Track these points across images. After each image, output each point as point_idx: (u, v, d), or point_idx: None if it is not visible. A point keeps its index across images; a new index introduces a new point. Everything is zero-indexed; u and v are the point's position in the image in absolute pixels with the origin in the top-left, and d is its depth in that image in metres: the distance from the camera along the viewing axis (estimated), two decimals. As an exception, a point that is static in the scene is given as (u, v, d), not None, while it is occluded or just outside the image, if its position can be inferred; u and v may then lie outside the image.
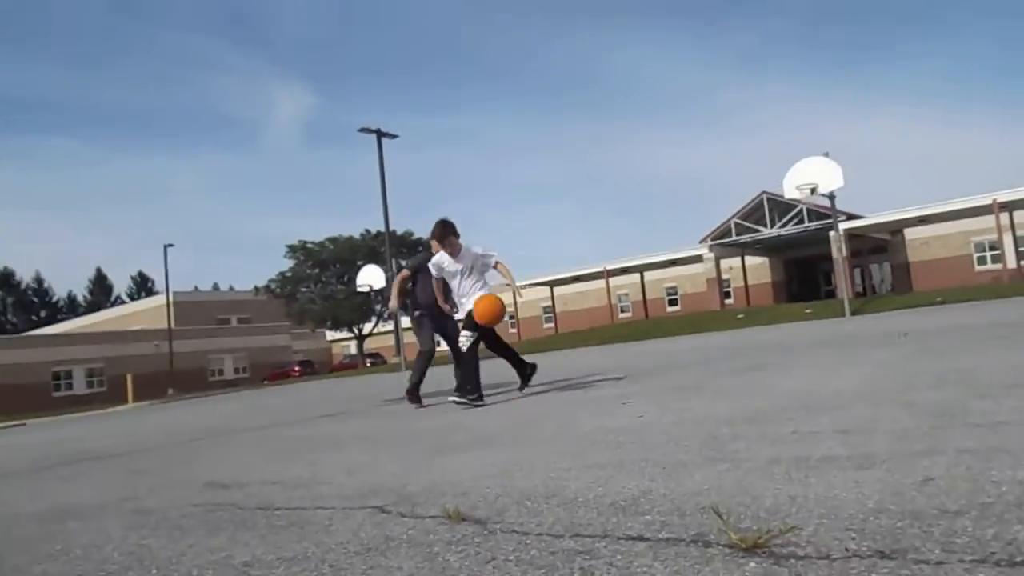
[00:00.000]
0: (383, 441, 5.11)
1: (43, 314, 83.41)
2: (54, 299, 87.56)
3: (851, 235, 36.75)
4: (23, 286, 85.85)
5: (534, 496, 2.59)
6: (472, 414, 6.15)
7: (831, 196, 23.43)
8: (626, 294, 53.56)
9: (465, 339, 6.81)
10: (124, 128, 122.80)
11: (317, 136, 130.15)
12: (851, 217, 36.91)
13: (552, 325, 52.88)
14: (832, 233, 28.61)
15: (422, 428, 5.43)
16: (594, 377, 9.01)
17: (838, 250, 29.27)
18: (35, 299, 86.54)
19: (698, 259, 43.67)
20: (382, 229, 35.00)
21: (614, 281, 49.94)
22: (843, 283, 26.89)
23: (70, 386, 47.67)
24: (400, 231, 47.31)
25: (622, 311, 53.34)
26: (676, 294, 52.60)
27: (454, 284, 7.02)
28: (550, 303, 53.56)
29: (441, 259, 6.96)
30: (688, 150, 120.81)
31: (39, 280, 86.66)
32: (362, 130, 31.55)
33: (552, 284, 52.30)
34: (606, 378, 8.49)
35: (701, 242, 42.81)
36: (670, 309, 51.24)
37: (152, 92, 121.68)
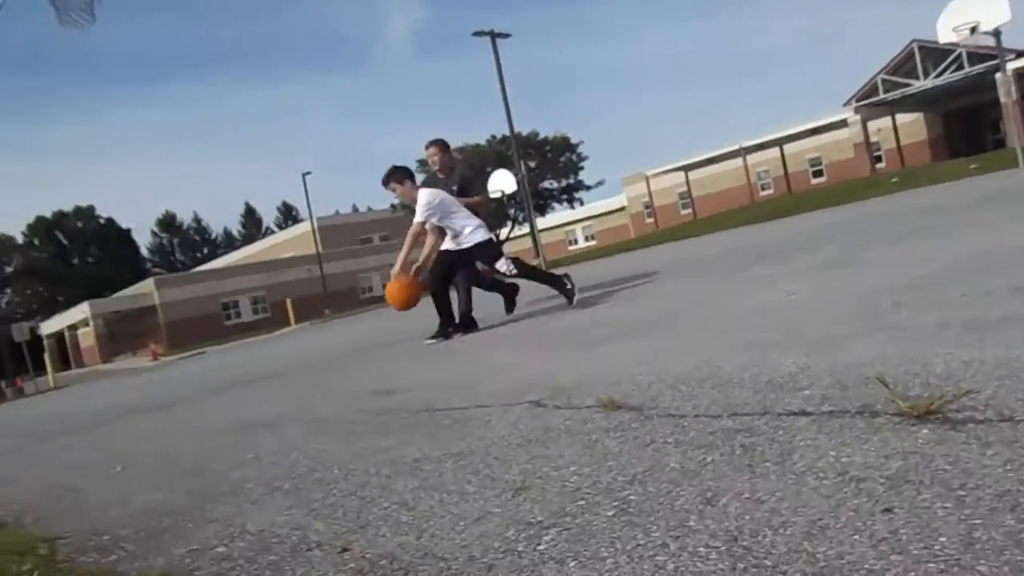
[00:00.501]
0: (529, 341, 5.22)
1: (205, 251, 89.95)
2: (212, 236, 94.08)
3: (1021, 75, 33.03)
4: (184, 227, 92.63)
5: (688, 380, 2.58)
6: (613, 308, 6.15)
7: (996, 33, 20.99)
8: (765, 171, 51.08)
9: (506, 264, 6.42)
10: (247, 63, 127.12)
11: (431, 46, 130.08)
12: (1020, 55, 33.12)
13: (690, 211, 51.54)
14: (999, 75, 25.69)
15: (563, 325, 5.50)
16: (735, 259, 8.76)
17: (1006, 93, 26.34)
18: (196, 237, 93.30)
19: (842, 124, 40.86)
20: (507, 133, 34.85)
21: (752, 158, 47.78)
22: (1014, 129, 24.42)
23: (238, 314, 51.62)
24: (525, 132, 47.02)
25: (763, 189, 51.04)
26: (820, 164, 49.53)
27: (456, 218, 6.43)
28: (685, 188, 52.09)
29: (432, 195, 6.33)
30: (818, 7, 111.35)
31: (197, 219, 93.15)
32: (476, 34, 31.11)
33: (686, 168, 50.72)
34: (748, 259, 8.23)
35: (844, 105, 39.91)
36: (815, 181, 48.47)
37: (266, 22, 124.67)
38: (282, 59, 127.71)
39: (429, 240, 6.49)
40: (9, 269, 78.46)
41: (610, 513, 1.52)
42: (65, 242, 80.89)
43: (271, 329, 38.05)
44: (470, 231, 6.41)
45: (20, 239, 79.67)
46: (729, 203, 47.24)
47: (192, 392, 7.67)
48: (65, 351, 58.06)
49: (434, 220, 6.32)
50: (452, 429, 2.67)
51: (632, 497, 1.58)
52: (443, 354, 5.51)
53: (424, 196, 6.31)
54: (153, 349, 38.25)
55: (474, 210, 6.68)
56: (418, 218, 6.28)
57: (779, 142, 46.94)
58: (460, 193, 6.78)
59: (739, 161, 47.57)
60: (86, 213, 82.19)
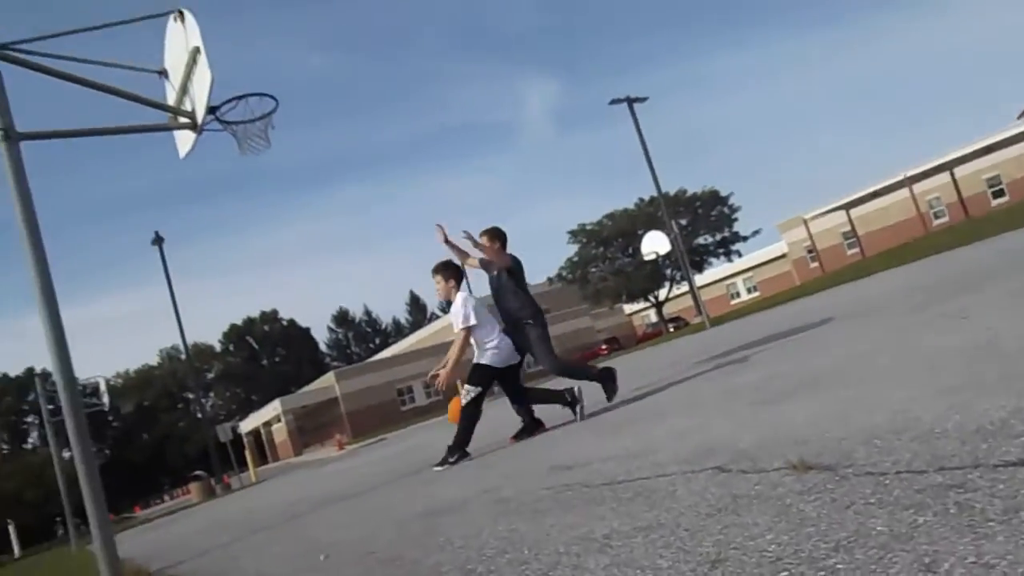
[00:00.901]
0: (702, 402, 5.09)
1: (376, 341, 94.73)
2: (383, 326, 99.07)
3: None
4: (357, 320, 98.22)
5: (883, 433, 2.43)
6: (789, 360, 5.89)
7: None
8: (937, 198, 47.71)
9: (466, 393, 6.27)
10: (398, 162, 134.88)
11: (570, 120, 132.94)
12: None
13: (857, 250, 48.81)
14: None
15: (738, 384, 5.32)
16: (917, 296, 8.17)
17: None
18: (368, 329, 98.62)
19: (1021, 138, 37.69)
20: (655, 194, 34.77)
21: (919, 187, 44.94)
22: None
23: (412, 399, 53.62)
24: (673, 190, 46.73)
25: (936, 217, 47.60)
26: (1000, 183, 45.68)
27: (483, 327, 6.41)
28: (849, 227, 49.51)
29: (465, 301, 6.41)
30: (977, 20, 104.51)
31: (368, 312, 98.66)
32: (612, 102, 31.62)
33: (847, 207, 48.36)
34: (932, 294, 7.66)
35: (1020, 117, 36.86)
36: (996, 202, 44.67)
37: (414, 121, 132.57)
38: (433, 153, 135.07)
39: (456, 344, 6.46)
40: (211, 375, 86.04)
41: (818, 584, 1.44)
42: (255, 346, 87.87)
43: (444, 411, 39.13)
44: (484, 348, 6.38)
45: (218, 347, 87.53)
46: (900, 237, 44.35)
47: (378, 479, 7.99)
48: (262, 446, 62.42)
49: (462, 325, 6.34)
50: (637, 502, 2.64)
51: (840, 566, 1.49)
52: (615, 424, 5.47)
53: (458, 301, 6.43)
54: (339, 440, 40.29)
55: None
56: (460, 325, 6.35)
57: (948, 166, 43.86)
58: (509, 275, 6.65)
59: (905, 192, 44.85)
60: (270, 317, 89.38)
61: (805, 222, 54.02)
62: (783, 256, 59.04)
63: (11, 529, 30.89)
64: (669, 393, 6.23)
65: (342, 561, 3.53)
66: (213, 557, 5.81)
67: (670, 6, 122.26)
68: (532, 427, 6.64)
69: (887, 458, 2.14)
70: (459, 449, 6.36)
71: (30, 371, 63.40)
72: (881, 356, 4.45)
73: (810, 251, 54.54)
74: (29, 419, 77.88)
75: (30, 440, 77.94)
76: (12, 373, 76.93)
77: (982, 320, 4.45)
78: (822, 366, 4.94)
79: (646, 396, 6.55)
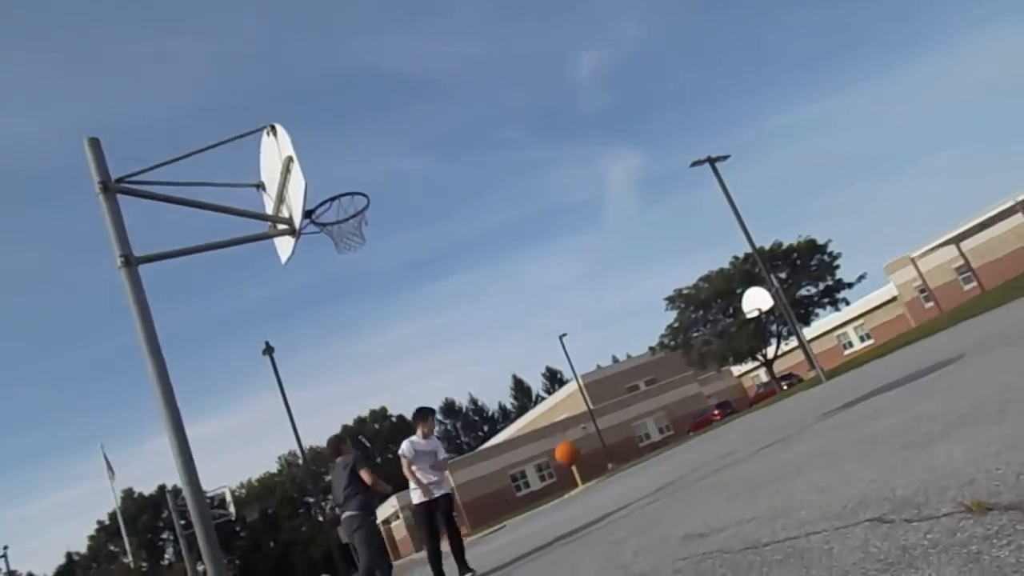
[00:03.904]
0: (841, 452, 4.72)
1: (485, 428, 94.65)
2: (489, 413, 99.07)
3: None
4: (463, 410, 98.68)
5: (1067, 463, 2.14)
6: (930, 401, 5.45)
7: None
8: (1058, 220, 44.82)
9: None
10: (482, 247, 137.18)
11: (655, 188, 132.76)
12: None
13: (974, 285, 46.06)
14: None
15: (880, 429, 4.93)
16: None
17: None
18: (475, 417, 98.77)
19: None
20: (749, 250, 34.02)
21: (1036, 210, 42.37)
22: None
23: (527, 484, 52.85)
24: (768, 245, 45.63)
25: (1058, 241, 44.61)
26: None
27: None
28: (962, 261, 46.90)
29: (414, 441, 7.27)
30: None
31: (474, 401, 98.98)
32: (694, 164, 31.43)
33: (956, 240, 45.96)
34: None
35: None
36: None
37: (506, 209, 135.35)
38: (525, 240, 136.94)
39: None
40: (328, 477, 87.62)
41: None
42: (367, 444, 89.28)
43: (560, 493, 38.34)
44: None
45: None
46: (1020, 266, 41.65)
47: (502, 566, 7.77)
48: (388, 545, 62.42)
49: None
50: (789, 564, 2.40)
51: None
52: (748, 484, 5.14)
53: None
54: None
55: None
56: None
57: (1065, 183, 41.30)
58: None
59: (1019, 217, 42.30)
60: (380, 415, 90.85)
61: (913, 261, 51.55)
62: (894, 300, 56.25)
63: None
64: (800, 447, 5.85)
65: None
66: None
67: (741, 65, 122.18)
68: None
69: (1082, 489, 1.87)
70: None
71: (161, 488, 66.06)
72: (1036, 384, 4.05)
73: (922, 291, 51.81)
74: (164, 536, 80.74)
75: (167, 556, 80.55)
76: (146, 492, 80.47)
77: None
78: (969, 402, 4.53)
79: (775, 453, 6.17)
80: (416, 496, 7.13)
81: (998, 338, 9.27)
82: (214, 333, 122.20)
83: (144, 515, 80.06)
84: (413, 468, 7.10)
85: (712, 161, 31.65)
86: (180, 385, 5.94)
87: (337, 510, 7.21)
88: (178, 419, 5.74)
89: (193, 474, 5.65)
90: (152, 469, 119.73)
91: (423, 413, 7.43)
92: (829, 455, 4.91)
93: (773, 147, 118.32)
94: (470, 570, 6.97)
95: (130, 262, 6.09)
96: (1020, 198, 41.66)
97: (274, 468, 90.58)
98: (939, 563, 1.78)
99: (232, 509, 25.15)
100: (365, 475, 6.83)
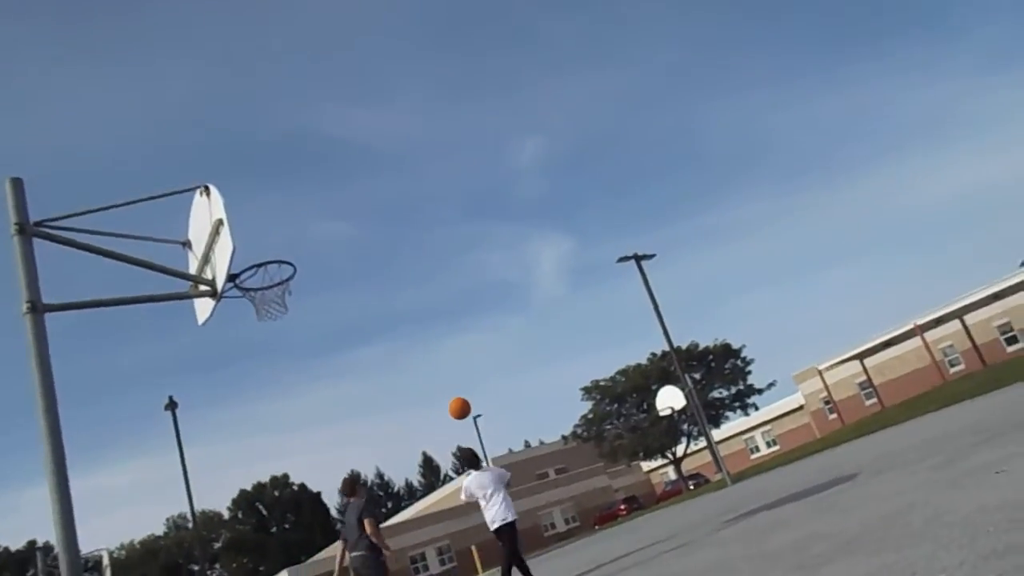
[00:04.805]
0: (737, 566, 4.83)
1: (389, 504, 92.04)
2: (395, 489, 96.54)
3: None
4: (368, 483, 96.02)
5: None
6: (824, 519, 5.65)
7: None
8: (950, 346, 47.47)
9: None
10: (405, 320, 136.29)
11: (583, 276, 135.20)
12: None
13: (875, 401, 48.09)
14: None
15: (773, 545, 5.07)
16: (946, 448, 7.94)
17: None
18: (380, 493, 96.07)
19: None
20: (667, 348, 34.81)
21: (931, 335, 44.84)
22: None
23: (426, 567, 51.21)
24: (685, 345, 46.77)
25: (951, 366, 47.17)
26: (1011, 330, 45.59)
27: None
28: (864, 377, 49.02)
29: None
30: (978, 166, 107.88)
31: (380, 475, 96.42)
32: (620, 260, 32.34)
33: (860, 357, 48.12)
34: (962, 445, 7.44)
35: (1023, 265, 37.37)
36: (1012, 349, 44.42)
37: (432, 284, 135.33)
38: (445, 316, 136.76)
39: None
40: (218, 544, 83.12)
41: None
42: (264, 512, 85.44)
43: (459, 580, 37.33)
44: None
45: (226, 514, 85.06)
46: (917, 386, 43.80)
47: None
48: (267, 623, 59.05)
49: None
50: None
51: None
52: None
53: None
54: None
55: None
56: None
57: (958, 313, 44.00)
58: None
59: (918, 340, 44.72)
60: (281, 482, 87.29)
61: (820, 373, 53.57)
62: (800, 408, 58.09)
63: None
64: (699, 556, 5.94)
65: None
66: None
67: (680, 162, 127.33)
68: None
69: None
70: None
71: (31, 544, 61.49)
72: (918, 514, 4.26)
73: (827, 402, 53.72)
74: (27, 596, 74.67)
75: (27, 620, 74.36)
76: (13, 547, 74.59)
77: (1020, 474, 4.29)
78: (860, 525, 4.72)
79: (673, 560, 6.24)
80: None
81: (892, 457, 9.69)
82: (114, 381, 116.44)
83: (6, 573, 74.03)
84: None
85: (638, 259, 32.60)
86: (69, 432, 5.66)
87: (347, 546, 7.91)
88: (63, 470, 5.43)
89: (71, 531, 5.33)
90: (23, 522, 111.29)
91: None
92: (725, 568, 5.00)
93: (701, 246, 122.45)
94: None
95: (36, 308, 5.88)
96: (919, 322, 44.07)
97: (160, 530, 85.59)
98: None
99: (108, 574, 23.53)
100: (367, 525, 7.59)
